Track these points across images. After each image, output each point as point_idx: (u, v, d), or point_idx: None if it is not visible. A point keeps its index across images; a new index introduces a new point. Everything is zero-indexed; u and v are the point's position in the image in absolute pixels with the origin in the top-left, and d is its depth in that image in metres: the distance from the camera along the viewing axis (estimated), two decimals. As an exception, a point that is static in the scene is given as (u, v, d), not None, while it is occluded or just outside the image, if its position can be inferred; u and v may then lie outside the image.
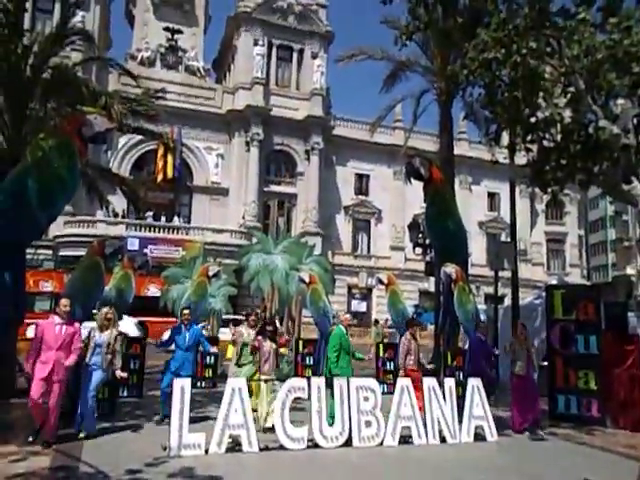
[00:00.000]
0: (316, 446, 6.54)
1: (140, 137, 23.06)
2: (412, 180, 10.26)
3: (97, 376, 6.71)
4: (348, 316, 8.63)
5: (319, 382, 6.93)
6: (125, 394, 9.31)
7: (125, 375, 7.41)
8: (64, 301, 6.57)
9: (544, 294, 11.05)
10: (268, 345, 7.69)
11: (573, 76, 8.56)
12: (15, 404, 8.70)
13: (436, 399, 7.28)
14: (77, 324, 6.59)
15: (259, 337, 7.71)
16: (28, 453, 5.83)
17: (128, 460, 5.65)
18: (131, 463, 5.52)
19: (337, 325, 7.87)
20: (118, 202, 21.49)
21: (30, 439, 6.26)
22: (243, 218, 32.16)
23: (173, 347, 7.91)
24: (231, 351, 8.95)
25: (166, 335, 8.29)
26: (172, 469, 5.49)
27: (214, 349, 9.31)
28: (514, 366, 8.07)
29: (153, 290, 21.16)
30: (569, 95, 9.09)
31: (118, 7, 38.38)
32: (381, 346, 11.92)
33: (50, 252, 27.40)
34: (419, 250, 16.30)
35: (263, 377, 7.55)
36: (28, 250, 10.71)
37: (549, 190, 10.91)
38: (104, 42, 34.17)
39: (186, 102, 31.91)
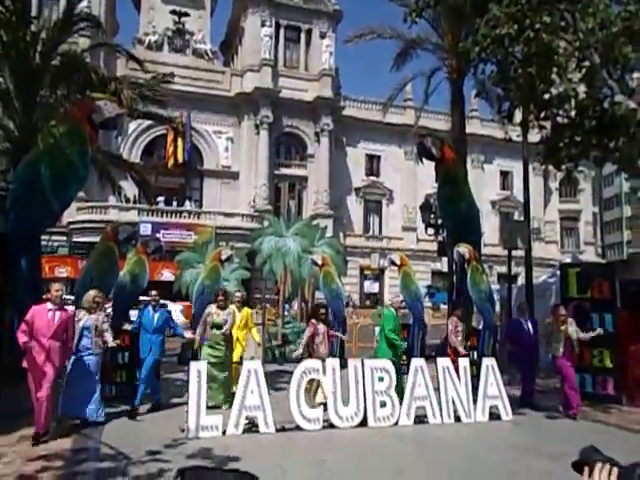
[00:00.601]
0: (332, 426, 6.62)
1: (150, 122, 23.10)
2: (424, 160, 10.18)
3: (93, 360, 6.43)
4: (399, 299, 8.56)
5: (334, 363, 6.98)
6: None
7: (119, 342, 7.00)
8: (56, 285, 6.17)
9: (558, 273, 10.98)
10: (322, 328, 7.61)
11: (588, 50, 8.39)
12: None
13: (450, 379, 7.31)
14: (70, 309, 6.32)
15: (313, 320, 7.66)
16: (50, 436, 5.95)
17: (147, 442, 5.75)
18: (151, 444, 5.62)
19: (388, 308, 8.28)
20: (129, 188, 21.54)
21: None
22: (254, 201, 32.18)
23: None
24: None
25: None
26: (191, 450, 5.59)
27: (188, 334, 8.04)
28: (549, 347, 7.87)
29: (166, 275, 21.35)
30: (584, 70, 8.92)
31: (124, -9, 38.11)
32: (394, 327, 11.93)
33: (64, 238, 27.67)
34: (431, 230, 16.24)
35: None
36: (43, 236, 10.83)
37: (563, 167, 10.78)
38: (111, 27, 34.01)
39: (194, 86, 31.76)
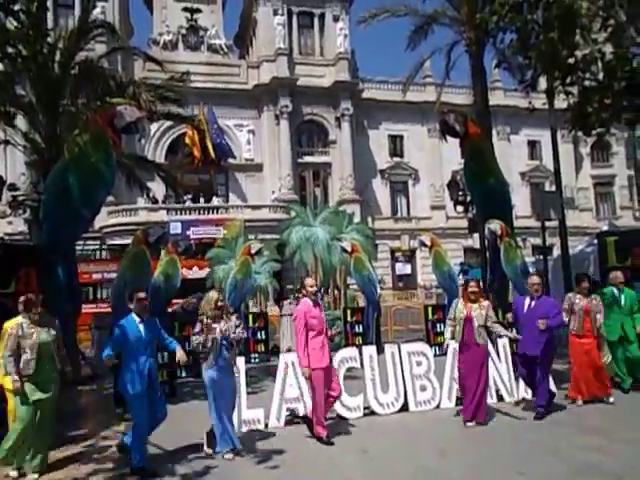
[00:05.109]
0: (373, 413, 6.61)
1: (171, 122, 23.23)
2: (448, 138, 9.98)
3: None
4: (619, 273, 7.46)
5: (371, 350, 6.96)
6: (183, 375, 9.60)
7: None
8: (310, 281, 5.99)
9: (595, 241, 10.67)
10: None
11: (613, 9, 8.04)
12: (82, 391, 9.16)
13: (490, 358, 7.19)
14: (321, 303, 6.00)
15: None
16: (98, 437, 6.11)
17: (191, 438, 5.83)
18: (194, 441, 5.71)
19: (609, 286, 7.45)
20: (156, 188, 21.86)
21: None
22: (273, 192, 32.14)
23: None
24: None
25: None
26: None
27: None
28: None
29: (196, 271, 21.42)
30: (609, 29, 8.55)
31: (136, -7, 38.29)
32: (429, 309, 11.84)
33: (98, 242, 28.27)
34: (460, 208, 15.97)
35: None
36: (77, 242, 11.07)
37: (593, 132, 10.42)
38: (126, 30, 34.22)
39: (212, 81, 31.82)
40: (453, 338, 6.35)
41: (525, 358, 6.47)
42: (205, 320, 5.30)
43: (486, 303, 6.37)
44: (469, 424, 6.07)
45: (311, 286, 5.87)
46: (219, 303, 5.45)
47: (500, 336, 6.54)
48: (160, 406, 5.30)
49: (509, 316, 6.96)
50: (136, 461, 5.01)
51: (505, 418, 6.40)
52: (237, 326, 5.43)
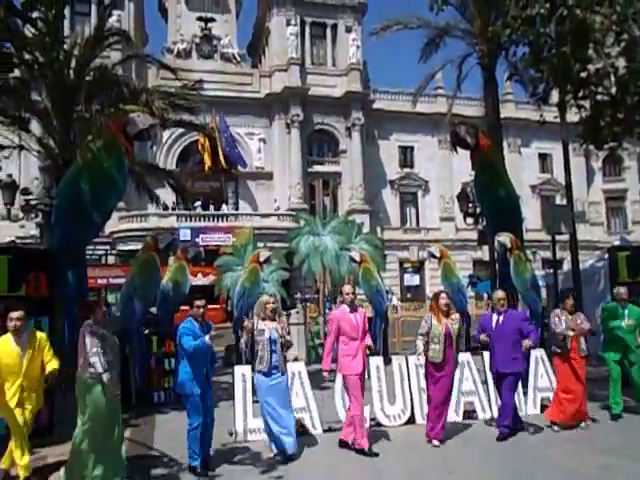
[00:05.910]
0: (378, 425, 6.57)
1: (183, 129, 23.43)
2: (458, 149, 9.96)
3: (285, 382, 5.80)
4: (622, 289, 7.28)
5: (378, 361, 6.93)
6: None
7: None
8: (347, 288, 6.07)
9: (606, 256, 10.59)
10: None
11: (626, 23, 8.02)
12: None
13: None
14: (361, 310, 6.00)
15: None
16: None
17: (197, 446, 5.80)
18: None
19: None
20: (167, 195, 21.97)
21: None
22: (275, 201, 32.16)
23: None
24: None
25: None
26: (240, 453, 5.65)
27: None
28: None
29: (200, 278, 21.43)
30: (622, 44, 8.53)
31: (151, 2, 38.85)
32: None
33: (108, 247, 28.44)
34: (470, 220, 15.92)
35: None
36: (87, 247, 11.14)
37: (605, 147, 10.39)
38: (140, 38, 34.68)
39: (224, 90, 32.10)
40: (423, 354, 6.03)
41: (498, 375, 6.31)
42: (247, 323, 5.69)
43: (457, 316, 6.20)
44: (435, 442, 5.90)
45: (347, 293, 5.91)
46: (271, 306, 5.64)
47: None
48: (210, 411, 5.41)
49: (483, 337, 6.43)
50: (191, 459, 5.16)
51: (515, 434, 6.32)
52: (288, 332, 5.77)
